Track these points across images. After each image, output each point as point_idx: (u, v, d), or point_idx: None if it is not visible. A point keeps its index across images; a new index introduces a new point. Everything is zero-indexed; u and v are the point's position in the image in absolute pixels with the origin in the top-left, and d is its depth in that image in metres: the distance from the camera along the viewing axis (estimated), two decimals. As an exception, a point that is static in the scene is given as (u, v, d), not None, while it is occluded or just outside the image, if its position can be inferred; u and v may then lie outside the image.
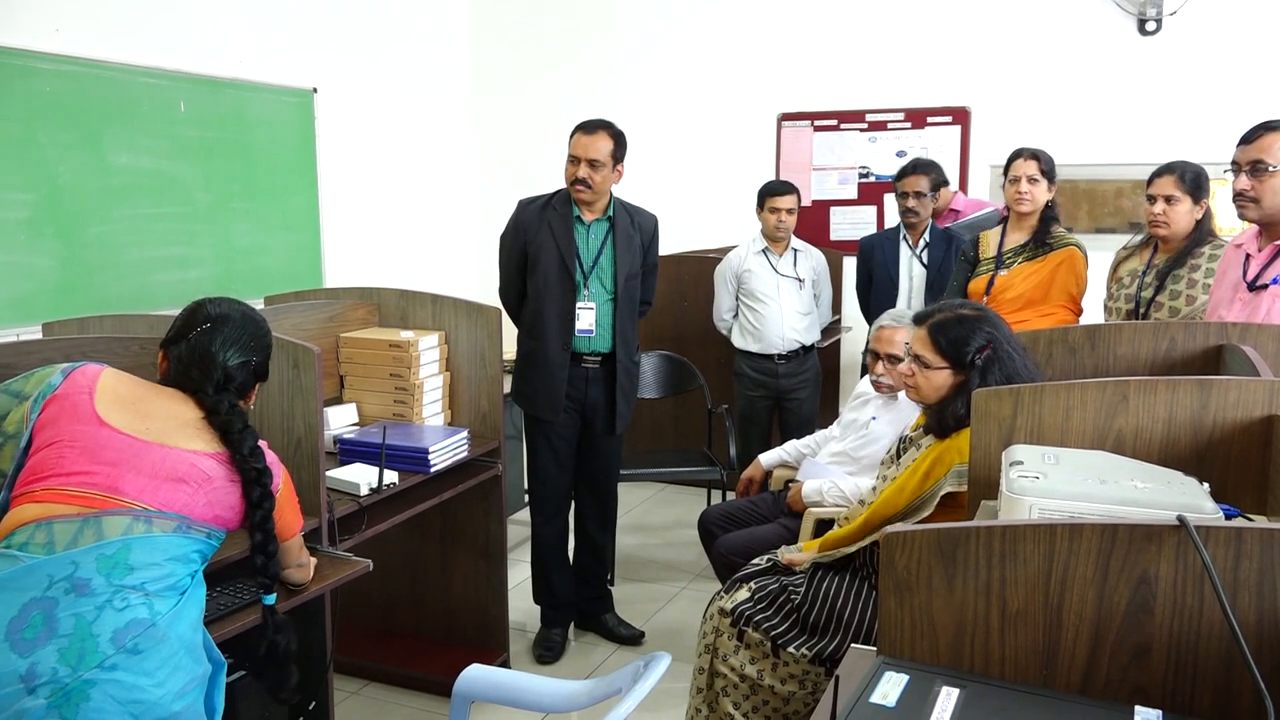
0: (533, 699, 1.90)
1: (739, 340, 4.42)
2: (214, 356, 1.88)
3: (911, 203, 4.27)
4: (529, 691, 1.91)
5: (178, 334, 1.93)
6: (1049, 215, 3.48)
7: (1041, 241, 3.46)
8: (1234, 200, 2.59)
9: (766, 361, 4.36)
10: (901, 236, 4.41)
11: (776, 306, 4.28)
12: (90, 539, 1.65)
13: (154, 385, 1.89)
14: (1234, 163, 2.59)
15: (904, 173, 4.33)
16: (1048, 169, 3.47)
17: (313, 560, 2.22)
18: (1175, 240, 3.14)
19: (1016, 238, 3.51)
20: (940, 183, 4.41)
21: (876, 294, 4.44)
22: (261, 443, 1.89)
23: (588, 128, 3.34)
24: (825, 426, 3.58)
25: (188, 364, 1.88)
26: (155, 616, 1.64)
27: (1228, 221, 4.99)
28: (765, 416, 4.46)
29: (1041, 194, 3.46)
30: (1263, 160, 2.50)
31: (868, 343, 3.27)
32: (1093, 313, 3.59)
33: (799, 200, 4.32)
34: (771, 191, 4.30)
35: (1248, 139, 2.57)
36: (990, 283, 3.46)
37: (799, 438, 3.68)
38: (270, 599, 1.95)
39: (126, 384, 1.85)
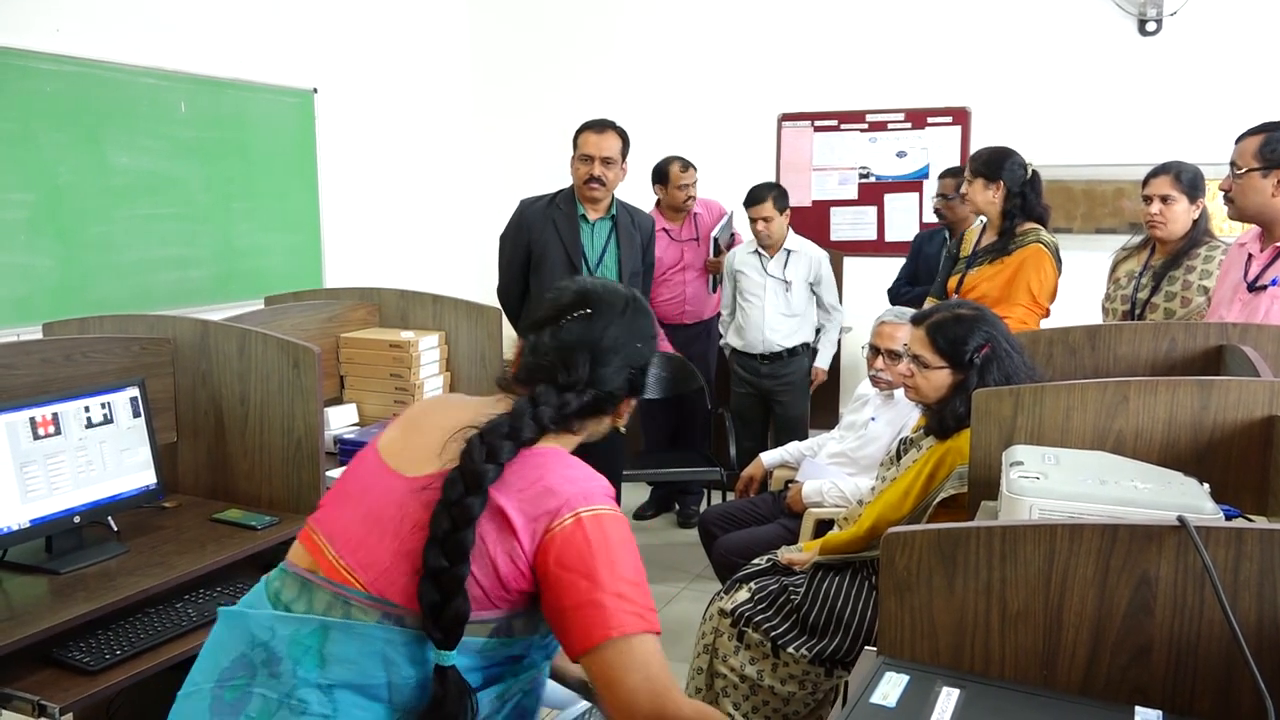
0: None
1: (731, 338, 4.47)
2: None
3: (937, 204, 4.51)
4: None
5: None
6: (1014, 212, 3.28)
7: (1005, 242, 3.28)
8: None
9: (751, 360, 4.40)
10: (945, 235, 4.50)
11: (759, 307, 4.29)
12: (300, 607, 1.31)
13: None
14: None
15: (940, 176, 4.65)
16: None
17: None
18: (1172, 240, 3.13)
19: (990, 236, 3.39)
20: (959, 185, 4.49)
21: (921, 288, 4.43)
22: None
23: (597, 127, 3.36)
24: (819, 429, 3.58)
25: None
26: None
27: (1229, 223, 5.01)
28: (756, 414, 4.48)
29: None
30: None
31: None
32: (1090, 313, 3.57)
33: (779, 204, 4.21)
34: (746, 201, 4.27)
35: None
36: (960, 281, 3.40)
37: (792, 438, 3.69)
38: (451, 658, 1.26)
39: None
